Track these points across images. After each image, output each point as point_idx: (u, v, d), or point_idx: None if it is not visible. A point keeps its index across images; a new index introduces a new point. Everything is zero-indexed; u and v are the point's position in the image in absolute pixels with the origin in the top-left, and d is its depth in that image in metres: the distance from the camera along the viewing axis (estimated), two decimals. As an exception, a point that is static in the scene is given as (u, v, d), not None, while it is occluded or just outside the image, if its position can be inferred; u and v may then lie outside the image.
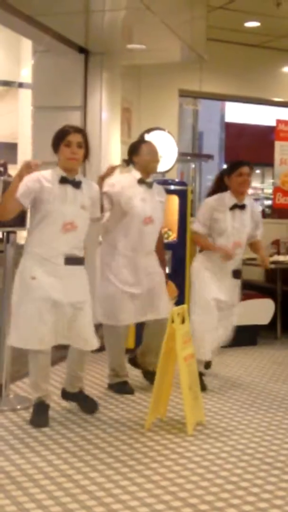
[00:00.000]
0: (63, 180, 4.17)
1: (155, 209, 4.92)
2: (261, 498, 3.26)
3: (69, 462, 3.65)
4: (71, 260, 4.20)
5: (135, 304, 4.90)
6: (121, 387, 5.00)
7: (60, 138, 4.18)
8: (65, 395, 4.58)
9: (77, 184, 4.21)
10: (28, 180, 4.08)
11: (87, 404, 4.51)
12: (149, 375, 4.99)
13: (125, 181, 4.90)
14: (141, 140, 5.15)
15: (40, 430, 4.12)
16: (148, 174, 4.95)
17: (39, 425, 4.17)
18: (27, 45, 6.87)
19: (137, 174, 4.92)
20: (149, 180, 4.96)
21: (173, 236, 6.36)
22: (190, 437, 4.07)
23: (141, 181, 4.90)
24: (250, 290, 7.05)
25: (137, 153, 4.93)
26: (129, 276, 4.87)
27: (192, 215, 6.40)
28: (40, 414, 4.24)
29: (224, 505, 3.17)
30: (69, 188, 4.18)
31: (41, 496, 3.21)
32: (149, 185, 4.95)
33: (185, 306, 4.43)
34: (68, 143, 4.15)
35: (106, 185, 4.70)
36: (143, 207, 4.85)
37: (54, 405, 4.62)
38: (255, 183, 18.27)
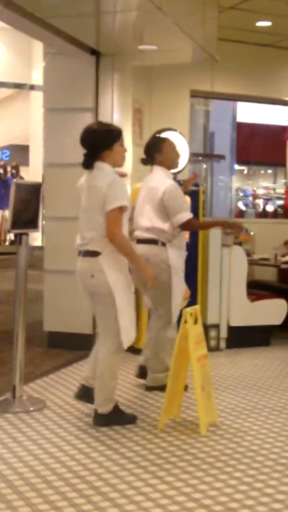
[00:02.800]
0: None
1: None
2: (276, 499, 3.25)
3: (82, 463, 3.66)
4: None
5: None
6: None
7: (118, 136, 4.15)
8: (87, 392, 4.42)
9: None
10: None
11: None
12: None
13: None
14: (161, 138, 5.13)
15: (53, 431, 4.14)
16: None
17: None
18: (38, 47, 6.88)
19: (170, 174, 5.02)
20: None
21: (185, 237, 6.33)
22: (203, 438, 4.06)
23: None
24: (262, 290, 7.04)
25: (160, 150, 4.93)
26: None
27: (204, 215, 6.38)
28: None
29: (238, 506, 3.17)
30: None
31: (54, 498, 3.22)
32: None
33: (197, 306, 4.42)
34: (122, 143, 4.18)
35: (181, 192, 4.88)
36: None
37: (67, 406, 4.63)
38: (267, 183, 18.21)
